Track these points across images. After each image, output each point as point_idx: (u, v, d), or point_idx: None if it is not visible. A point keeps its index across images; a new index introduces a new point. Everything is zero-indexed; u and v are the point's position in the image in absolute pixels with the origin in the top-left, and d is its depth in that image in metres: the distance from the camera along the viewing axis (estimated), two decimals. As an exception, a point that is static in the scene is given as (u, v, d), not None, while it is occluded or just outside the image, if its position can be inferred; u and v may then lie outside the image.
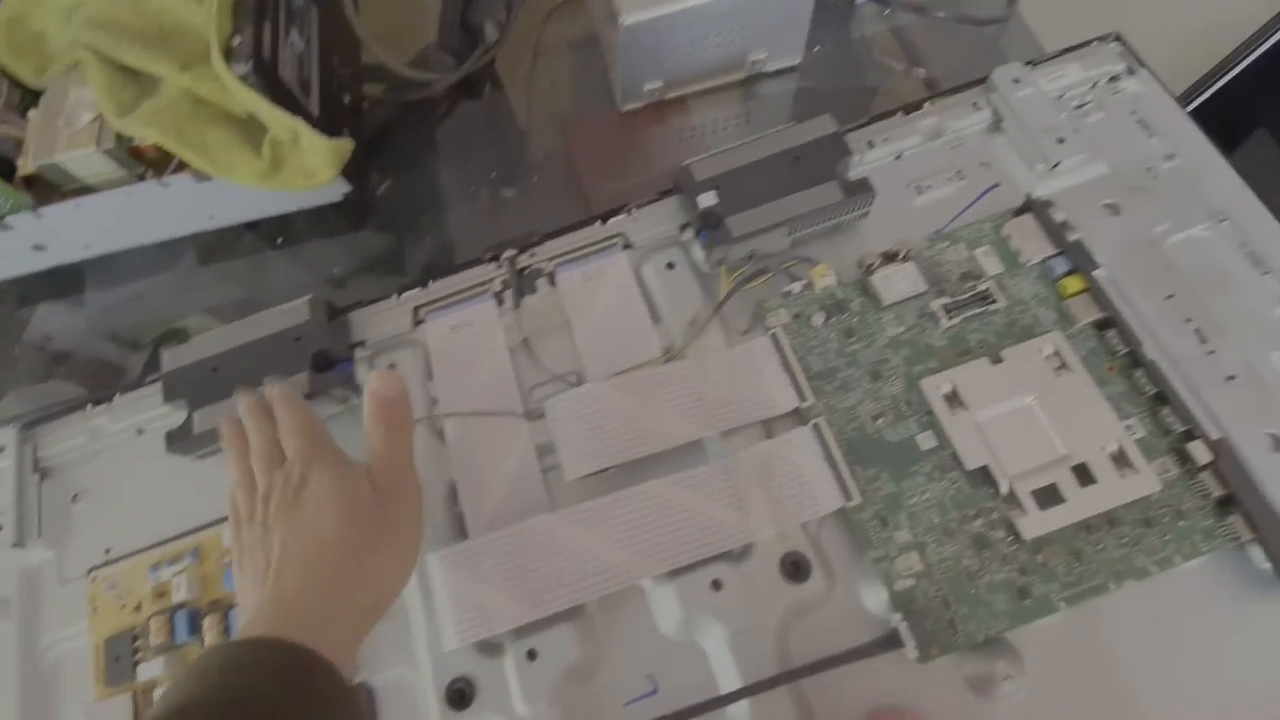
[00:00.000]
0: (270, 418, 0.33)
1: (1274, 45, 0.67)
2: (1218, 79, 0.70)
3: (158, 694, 0.34)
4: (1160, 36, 0.69)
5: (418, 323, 0.41)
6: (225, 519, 0.37)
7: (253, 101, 0.35)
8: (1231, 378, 0.35)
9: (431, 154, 0.51)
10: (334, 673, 0.26)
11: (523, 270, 0.42)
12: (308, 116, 0.37)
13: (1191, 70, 0.71)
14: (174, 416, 0.40)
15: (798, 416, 0.36)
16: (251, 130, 0.38)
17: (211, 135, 0.38)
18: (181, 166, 0.40)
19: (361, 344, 0.41)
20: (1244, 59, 0.69)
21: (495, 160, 0.50)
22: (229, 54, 0.35)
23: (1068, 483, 0.32)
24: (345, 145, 0.39)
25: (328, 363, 0.38)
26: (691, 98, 0.49)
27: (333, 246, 0.49)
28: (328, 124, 0.39)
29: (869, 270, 0.38)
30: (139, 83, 0.39)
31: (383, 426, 0.32)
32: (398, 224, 0.50)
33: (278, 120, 0.36)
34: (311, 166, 0.38)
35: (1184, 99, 0.72)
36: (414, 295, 0.42)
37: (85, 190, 0.41)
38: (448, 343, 0.40)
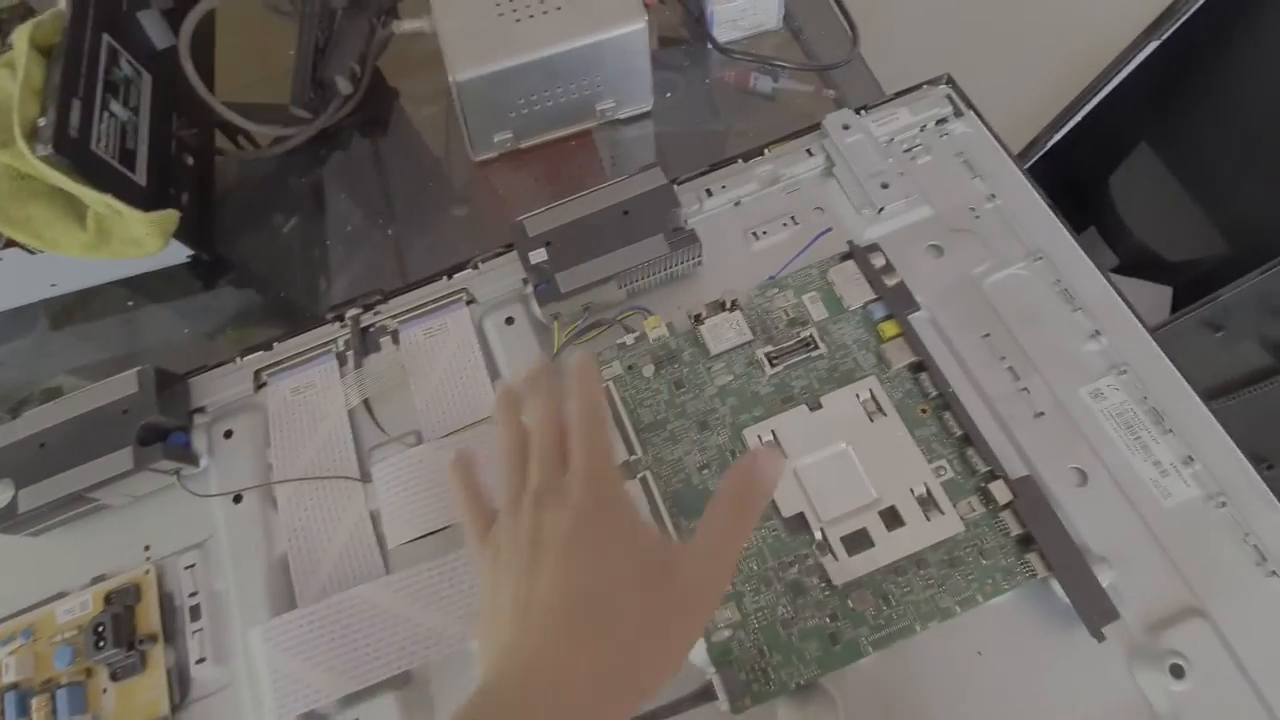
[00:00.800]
0: (558, 402, 0.29)
1: (1148, 58, 0.70)
2: (1091, 97, 0.72)
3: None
4: (1027, 62, 0.72)
5: (260, 386, 0.41)
6: (59, 596, 0.37)
7: (61, 180, 0.35)
8: (1040, 414, 0.36)
9: (297, 206, 0.51)
10: None
11: (367, 329, 0.42)
12: (129, 188, 0.37)
13: (1060, 100, 0.74)
14: (6, 495, 0.39)
15: (627, 469, 0.36)
16: (75, 204, 0.38)
17: (34, 210, 0.37)
18: (12, 241, 0.40)
19: (202, 409, 0.40)
20: (1117, 73, 0.71)
21: (361, 208, 0.51)
22: (34, 135, 0.34)
23: (876, 527, 0.33)
24: (168, 216, 0.38)
25: (156, 435, 0.38)
26: (549, 145, 0.50)
27: (192, 304, 0.48)
28: (158, 192, 0.39)
29: (698, 320, 0.38)
30: (-39, 158, 0.38)
31: (736, 506, 0.27)
32: (261, 275, 0.49)
33: (91, 197, 0.36)
34: (138, 237, 0.38)
35: (1057, 123, 0.75)
36: (257, 358, 0.41)
37: (-85, 264, 0.41)
38: (288, 406, 0.40)
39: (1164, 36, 0.63)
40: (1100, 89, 0.71)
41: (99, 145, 0.36)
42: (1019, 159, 0.43)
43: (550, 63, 0.42)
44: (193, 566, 0.37)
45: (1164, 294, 0.80)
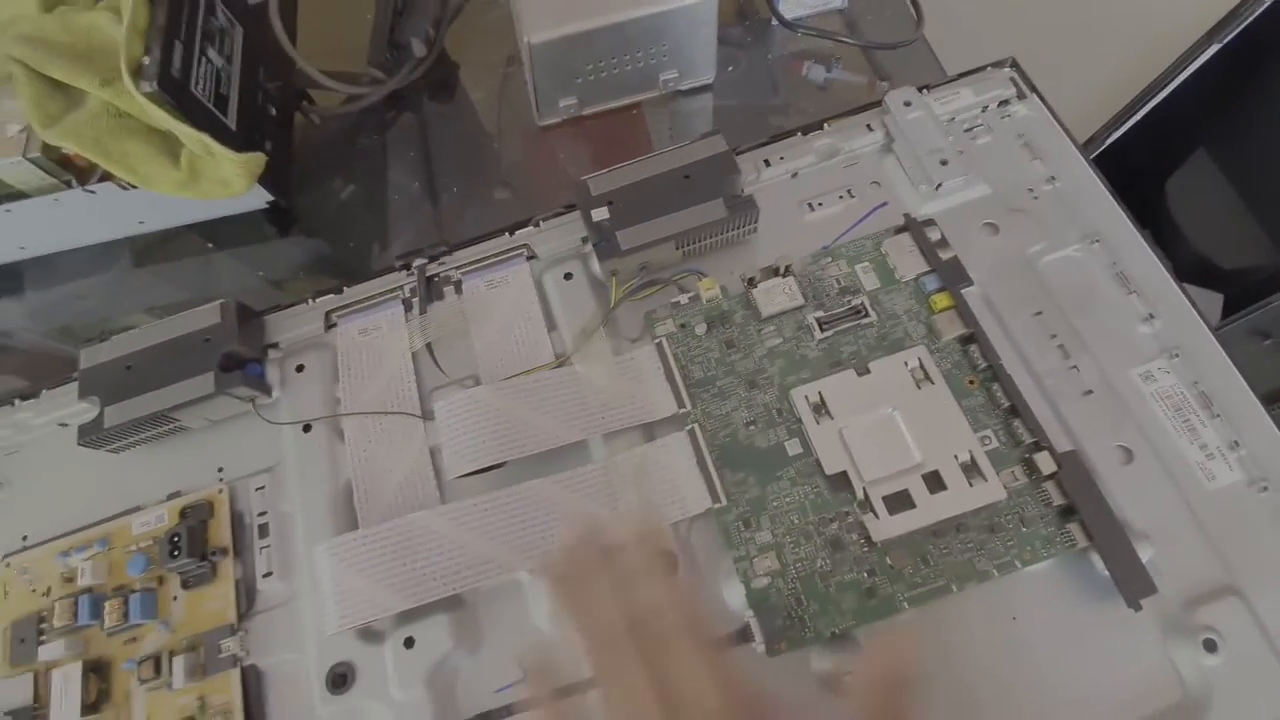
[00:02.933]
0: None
1: (1208, 60, 0.68)
2: (1150, 98, 0.71)
3: (56, 674, 0.36)
4: (1089, 58, 0.71)
5: (330, 326, 0.43)
6: (136, 510, 0.40)
7: (161, 117, 0.37)
8: (1089, 392, 0.37)
9: (366, 163, 0.53)
10: None
11: (431, 278, 0.43)
12: (222, 131, 0.39)
13: (1122, 98, 0.73)
14: (93, 412, 0.42)
15: (675, 421, 0.38)
16: (170, 143, 0.40)
17: (131, 147, 0.40)
18: (107, 176, 0.42)
19: (275, 345, 0.43)
20: (1176, 75, 0.70)
21: (428, 169, 0.53)
22: (139, 72, 0.37)
23: (919, 489, 0.34)
24: (256, 159, 0.41)
25: (235, 363, 0.40)
26: (610, 114, 0.51)
27: (265, 250, 0.51)
28: (246, 137, 0.41)
29: (751, 283, 0.39)
30: (66, 96, 0.41)
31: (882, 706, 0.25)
32: (330, 229, 0.52)
33: (188, 135, 0.38)
34: (226, 178, 0.40)
35: (1115, 122, 0.74)
36: (328, 300, 0.43)
37: (17, 196, 0.44)
38: (356, 346, 0.42)
39: (1225, 40, 0.62)
40: (1159, 90, 0.70)
41: (197, 87, 0.39)
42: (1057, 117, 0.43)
43: (622, 29, 0.43)
44: (263, 488, 0.39)
45: (1215, 300, 0.79)
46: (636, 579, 0.26)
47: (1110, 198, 0.41)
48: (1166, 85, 0.67)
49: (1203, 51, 0.64)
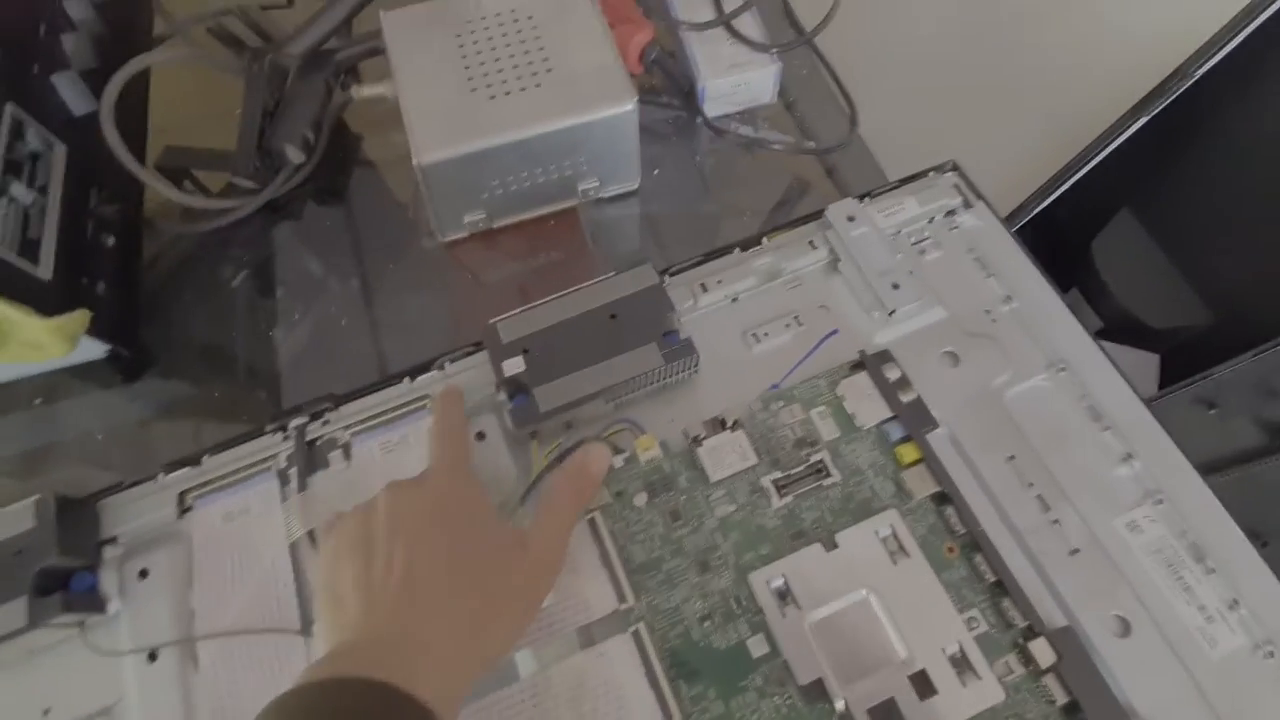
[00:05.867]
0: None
1: (1133, 134, 0.69)
2: (1079, 169, 0.71)
3: None
4: (1011, 133, 0.70)
5: (184, 510, 0.35)
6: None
7: (-61, 283, 0.29)
8: (1075, 551, 0.33)
9: (235, 290, 0.45)
10: None
11: (313, 441, 0.36)
12: (29, 287, 0.31)
13: (1046, 163, 0.72)
14: None
15: (617, 619, 0.32)
16: (-39, 301, 0.32)
17: (-90, 309, 0.31)
18: (-116, 337, 0.33)
19: (113, 540, 0.34)
20: (1105, 147, 0.70)
21: (312, 290, 0.45)
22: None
23: (906, 695, 0.29)
24: (75, 320, 0.33)
25: (56, 581, 0.32)
26: (527, 224, 0.45)
27: (106, 401, 0.42)
28: (67, 284, 0.33)
29: (696, 441, 0.34)
30: None
31: (571, 494, 0.32)
32: (197, 366, 0.44)
33: (-22, 301, 0.30)
34: (39, 341, 0.32)
35: (1043, 192, 0.74)
36: (182, 475, 0.36)
37: None
38: (217, 537, 0.34)
39: (1153, 114, 0.62)
40: (1088, 161, 0.70)
41: (-8, 239, 0.31)
42: (1006, 223, 0.40)
43: (528, 144, 0.38)
44: (96, 741, 0.31)
45: (1151, 361, 0.79)
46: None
47: (1072, 317, 0.38)
48: (1095, 156, 0.67)
49: (1130, 125, 0.64)
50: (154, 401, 0.42)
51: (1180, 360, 0.72)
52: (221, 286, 0.44)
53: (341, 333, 0.43)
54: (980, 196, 0.41)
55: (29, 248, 0.33)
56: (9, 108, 0.34)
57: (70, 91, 0.38)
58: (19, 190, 0.32)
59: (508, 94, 0.38)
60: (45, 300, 0.33)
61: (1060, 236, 0.81)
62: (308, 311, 0.44)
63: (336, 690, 0.23)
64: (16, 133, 0.34)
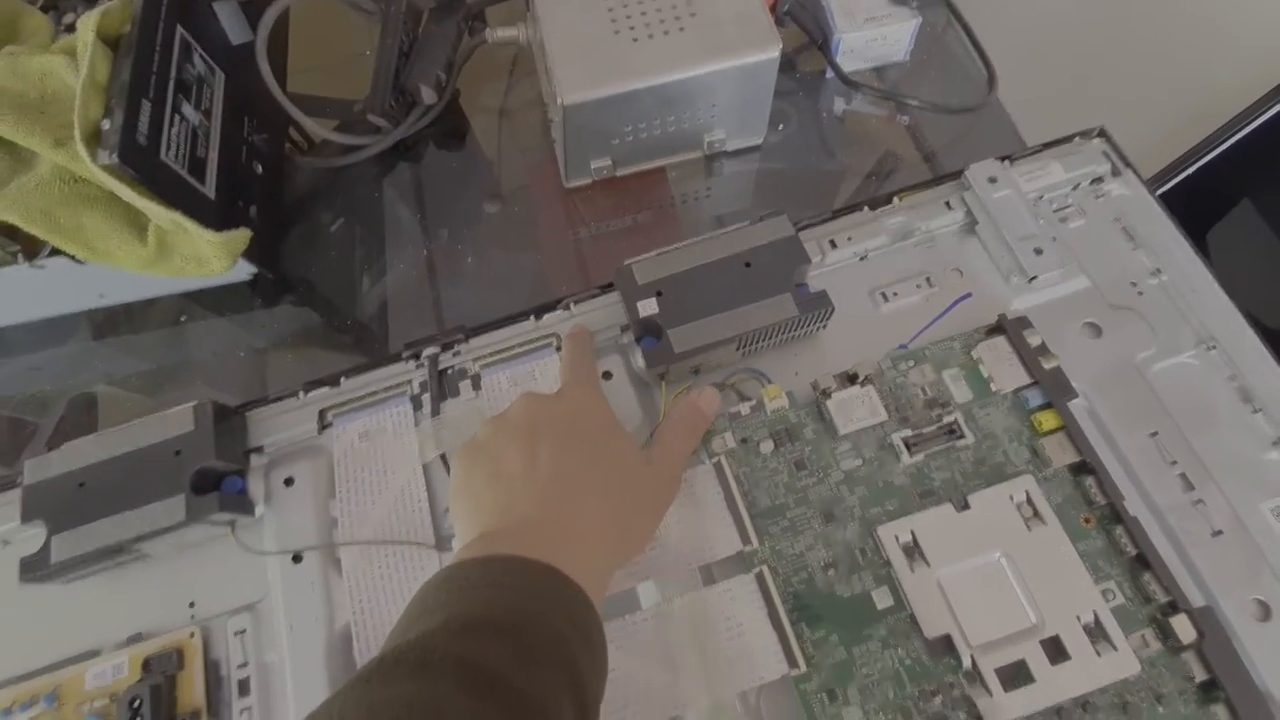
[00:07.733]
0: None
1: (1267, 120, 0.65)
2: (1203, 154, 0.67)
3: None
4: (1144, 109, 0.67)
5: (324, 426, 0.37)
6: (90, 655, 0.33)
7: (123, 191, 0.31)
8: (1219, 533, 0.32)
9: (365, 224, 0.47)
10: (598, 620, 0.26)
11: (445, 371, 0.37)
12: (198, 203, 0.33)
13: (1175, 143, 0.69)
14: (39, 538, 0.35)
15: (740, 561, 0.32)
16: (135, 213, 0.34)
17: (88, 219, 0.33)
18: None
19: (259, 449, 0.36)
20: (1235, 133, 0.66)
21: (437, 230, 0.46)
22: (96, 138, 0.30)
23: (1038, 659, 0.29)
24: (239, 237, 0.34)
25: (211, 482, 0.34)
26: (645, 175, 0.45)
27: (247, 322, 0.44)
28: (227, 206, 0.35)
29: (824, 394, 0.34)
30: (13, 155, 0.34)
31: (686, 424, 0.33)
32: (324, 296, 0.45)
33: (157, 213, 0.32)
34: (203, 256, 0.34)
35: (1170, 172, 0.70)
36: (321, 394, 0.37)
37: (-46, 267, 0.37)
38: (355, 454, 0.36)
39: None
40: (1215, 146, 0.66)
41: (168, 153, 0.32)
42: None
43: (668, 89, 0.38)
44: (243, 632, 0.33)
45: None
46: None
47: (1225, 296, 0.36)
48: (1222, 142, 0.63)
49: (1267, 109, 0.60)
50: (289, 324, 0.43)
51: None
52: (351, 222, 0.46)
53: (466, 270, 0.44)
54: (1129, 164, 0.40)
55: (197, 166, 0.34)
56: (179, 30, 0.36)
57: (231, 20, 0.40)
58: (189, 110, 0.34)
59: (650, 37, 0.38)
60: (209, 218, 0.34)
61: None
62: (434, 248, 0.45)
63: (500, 566, 0.24)
64: (186, 55, 0.35)
